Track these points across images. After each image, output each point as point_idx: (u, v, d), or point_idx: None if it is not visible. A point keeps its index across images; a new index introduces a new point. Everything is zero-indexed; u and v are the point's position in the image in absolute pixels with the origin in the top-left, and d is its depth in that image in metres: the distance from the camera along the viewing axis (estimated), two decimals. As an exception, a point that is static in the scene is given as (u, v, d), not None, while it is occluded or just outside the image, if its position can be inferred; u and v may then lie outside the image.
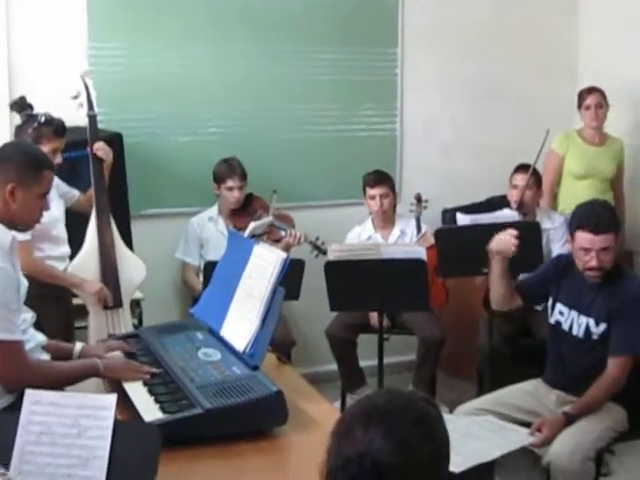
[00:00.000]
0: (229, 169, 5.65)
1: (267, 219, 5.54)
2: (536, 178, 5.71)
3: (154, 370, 3.23)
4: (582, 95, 6.15)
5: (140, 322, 5.26)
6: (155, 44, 5.82)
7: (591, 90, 6.11)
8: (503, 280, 4.31)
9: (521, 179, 5.66)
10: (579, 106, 6.17)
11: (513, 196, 5.68)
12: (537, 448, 3.94)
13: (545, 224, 5.51)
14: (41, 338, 3.27)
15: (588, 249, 3.99)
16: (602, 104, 6.10)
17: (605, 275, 4.02)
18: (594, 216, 4.04)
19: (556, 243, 5.54)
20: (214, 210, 5.79)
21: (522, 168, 5.72)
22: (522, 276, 4.83)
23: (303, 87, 6.26)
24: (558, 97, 6.94)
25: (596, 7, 6.83)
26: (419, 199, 5.86)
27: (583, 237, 4.01)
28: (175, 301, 5.93)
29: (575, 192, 6.07)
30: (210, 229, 5.72)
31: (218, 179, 5.69)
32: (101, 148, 4.74)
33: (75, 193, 4.91)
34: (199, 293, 4.59)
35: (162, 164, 5.93)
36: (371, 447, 1.71)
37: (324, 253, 5.47)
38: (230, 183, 5.64)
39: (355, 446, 1.73)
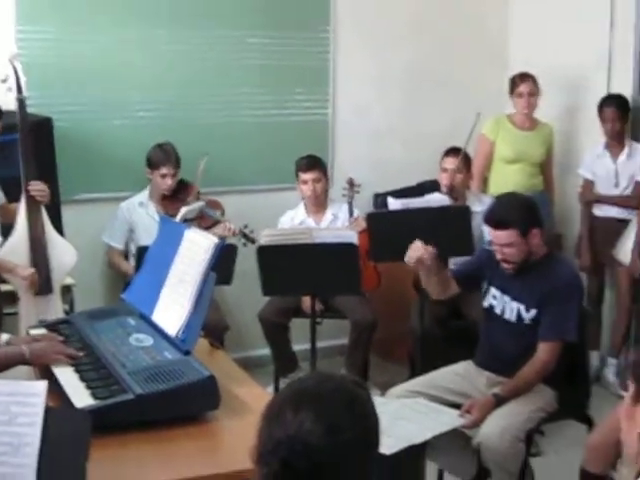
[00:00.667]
0: (164, 155, 5.60)
1: (198, 204, 5.51)
2: (466, 162, 5.75)
3: (80, 354, 3.22)
4: (514, 81, 6.20)
5: (71, 308, 5.21)
6: (85, 27, 5.75)
7: (523, 77, 6.16)
8: (435, 277, 4.36)
9: (451, 163, 5.70)
10: (511, 92, 6.22)
11: (443, 180, 5.71)
12: (467, 429, 4.00)
13: (475, 207, 5.55)
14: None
15: (493, 242, 4.10)
16: (534, 92, 6.16)
17: (520, 266, 4.08)
18: (496, 211, 4.13)
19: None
20: (145, 195, 5.75)
21: (452, 152, 5.76)
22: (454, 261, 4.90)
23: (234, 71, 6.24)
24: (488, 83, 6.99)
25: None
26: (351, 184, 5.85)
27: (488, 231, 4.14)
28: (107, 287, 5.89)
29: (505, 176, 6.17)
30: (140, 214, 5.68)
31: (152, 164, 5.64)
32: (36, 189, 4.63)
33: (1, 196, 4.85)
34: (130, 277, 4.57)
35: (93, 148, 5.87)
36: (301, 430, 1.73)
37: (252, 242, 5.44)
38: (164, 170, 5.59)
39: (285, 429, 1.74)
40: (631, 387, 1.89)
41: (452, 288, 4.40)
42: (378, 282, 5.82)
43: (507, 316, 4.18)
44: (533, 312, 4.09)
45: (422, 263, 4.31)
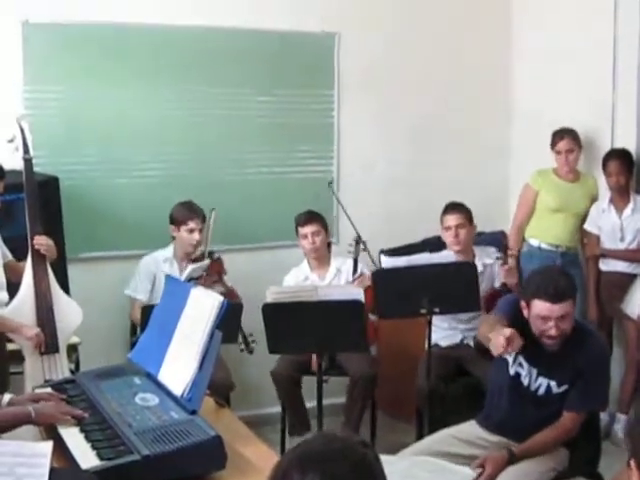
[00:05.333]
0: (190, 211, 5.66)
1: (205, 262, 5.54)
2: (467, 215, 5.76)
3: (85, 414, 3.21)
4: (554, 139, 6.25)
5: (77, 367, 5.21)
6: (89, 89, 5.82)
7: (562, 135, 6.21)
8: None
9: (452, 220, 5.70)
10: (552, 147, 6.26)
11: (448, 237, 5.70)
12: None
13: (485, 260, 5.57)
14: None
15: (546, 317, 3.91)
16: (573, 148, 6.21)
17: (564, 339, 3.97)
18: (552, 284, 3.93)
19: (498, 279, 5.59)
20: (168, 252, 5.76)
21: (451, 208, 5.76)
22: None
23: (239, 129, 6.28)
24: (493, 135, 7.09)
25: (528, 45, 6.97)
26: (357, 241, 5.87)
27: (541, 306, 3.91)
28: (114, 345, 5.88)
29: (548, 225, 6.24)
30: (165, 270, 5.64)
31: (177, 221, 5.67)
32: (42, 244, 4.66)
33: (8, 254, 4.87)
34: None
35: (99, 207, 5.91)
36: (309, 492, 1.72)
37: (250, 352, 5.49)
38: (192, 225, 5.63)
39: (292, 492, 1.73)
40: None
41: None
42: (376, 336, 5.81)
43: (533, 388, 4.09)
44: (564, 387, 4.02)
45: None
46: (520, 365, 4.14)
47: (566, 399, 4.01)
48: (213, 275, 5.63)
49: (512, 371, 4.17)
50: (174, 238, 5.73)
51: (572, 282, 4.00)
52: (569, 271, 6.00)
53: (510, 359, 4.16)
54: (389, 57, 6.70)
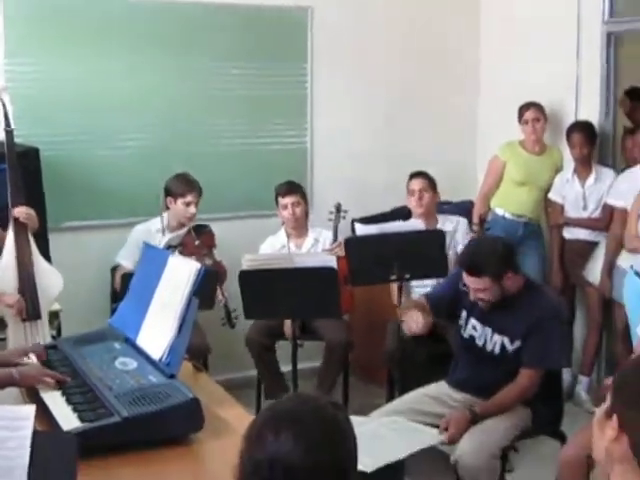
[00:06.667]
0: (188, 184, 5.62)
1: (182, 231, 5.53)
2: (431, 182, 5.79)
3: (67, 378, 3.21)
4: (521, 110, 6.27)
5: (59, 333, 5.19)
6: (69, 60, 5.79)
7: (528, 105, 6.24)
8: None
9: (417, 184, 5.75)
10: (519, 120, 6.28)
11: (412, 202, 5.76)
12: (445, 446, 4.00)
13: (446, 227, 5.59)
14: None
15: (467, 285, 4.09)
16: (539, 117, 6.24)
17: (495, 304, 4.07)
18: (469, 258, 4.12)
19: (460, 245, 5.60)
20: (160, 222, 5.69)
21: (417, 174, 5.83)
22: (431, 284, 4.91)
23: (215, 101, 6.27)
24: (462, 107, 7.10)
25: (495, 23, 6.98)
26: (338, 209, 5.89)
27: (462, 273, 4.11)
28: (94, 312, 5.85)
29: (512, 197, 6.27)
30: (157, 240, 5.57)
31: (174, 193, 5.61)
32: (22, 213, 4.60)
33: None
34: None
35: (79, 177, 5.88)
36: (281, 451, 1.74)
37: (232, 326, 5.50)
38: (189, 198, 5.58)
39: (266, 450, 1.75)
40: (607, 400, 1.92)
41: (430, 322, 4.34)
42: (352, 305, 5.84)
43: (490, 348, 4.17)
44: (517, 343, 4.09)
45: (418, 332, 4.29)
46: (474, 328, 4.23)
47: (522, 357, 4.07)
48: (204, 248, 5.61)
49: (466, 334, 4.28)
50: (168, 208, 5.69)
51: (496, 261, 4.03)
52: (530, 241, 6.14)
53: (462, 323, 4.26)
54: (361, 30, 6.68)
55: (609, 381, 3.81)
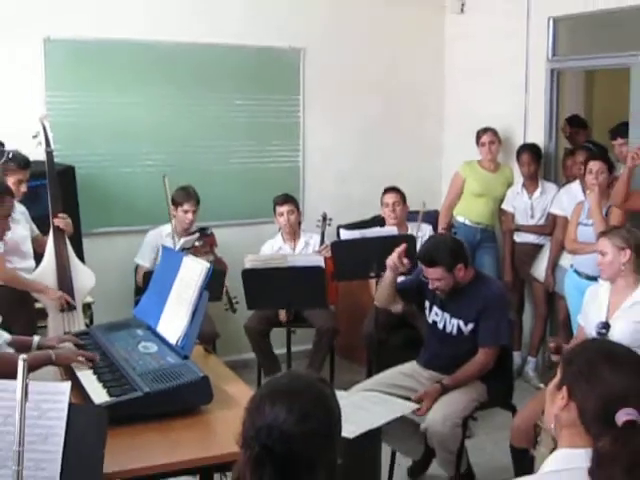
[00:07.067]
0: (186, 195, 5.59)
1: (194, 236, 5.53)
2: (401, 196, 5.81)
3: (97, 357, 3.22)
4: (479, 134, 6.26)
5: (91, 322, 5.19)
6: (99, 94, 5.78)
7: (485, 130, 6.23)
8: (391, 287, 4.36)
9: (390, 197, 5.77)
10: (477, 142, 6.27)
11: (387, 212, 5.78)
12: (419, 415, 4.01)
13: (417, 233, 5.60)
14: (6, 336, 3.21)
15: (425, 275, 4.11)
16: (494, 140, 6.23)
17: (450, 291, 4.09)
18: (424, 250, 4.17)
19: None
20: (170, 227, 5.61)
21: (390, 190, 5.84)
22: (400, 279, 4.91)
23: (222, 127, 6.27)
24: (427, 136, 7.08)
25: (457, 63, 6.96)
26: (325, 218, 5.91)
27: (421, 265, 4.14)
28: (121, 304, 5.83)
29: (472, 207, 6.24)
30: (167, 242, 5.53)
31: (176, 203, 5.59)
32: (61, 221, 4.62)
33: (35, 229, 4.85)
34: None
35: (108, 191, 5.88)
36: (277, 419, 1.73)
37: (233, 311, 5.51)
38: (186, 206, 5.56)
39: (264, 419, 1.74)
40: (558, 375, 1.93)
41: (397, 303, 4.39)
42: (337, 297, 5.87)
43: (448, 330, 4.19)
44: (471, 325, 4.11)
45: (396, 268, 4.31)
46: (435, 314, 4.26)
47: (477, 338, 4.10)
48: (206, 247, 5.60)
49: (430, 320, 4.31)
50: (174, 216, 5.68)
51: (447, 253, 4.06)
52: (486, 244, 6.15)
53: (427, 311, 4.30)
54: (345, 69, 6.67)
55: (552, 344, 3.88)
